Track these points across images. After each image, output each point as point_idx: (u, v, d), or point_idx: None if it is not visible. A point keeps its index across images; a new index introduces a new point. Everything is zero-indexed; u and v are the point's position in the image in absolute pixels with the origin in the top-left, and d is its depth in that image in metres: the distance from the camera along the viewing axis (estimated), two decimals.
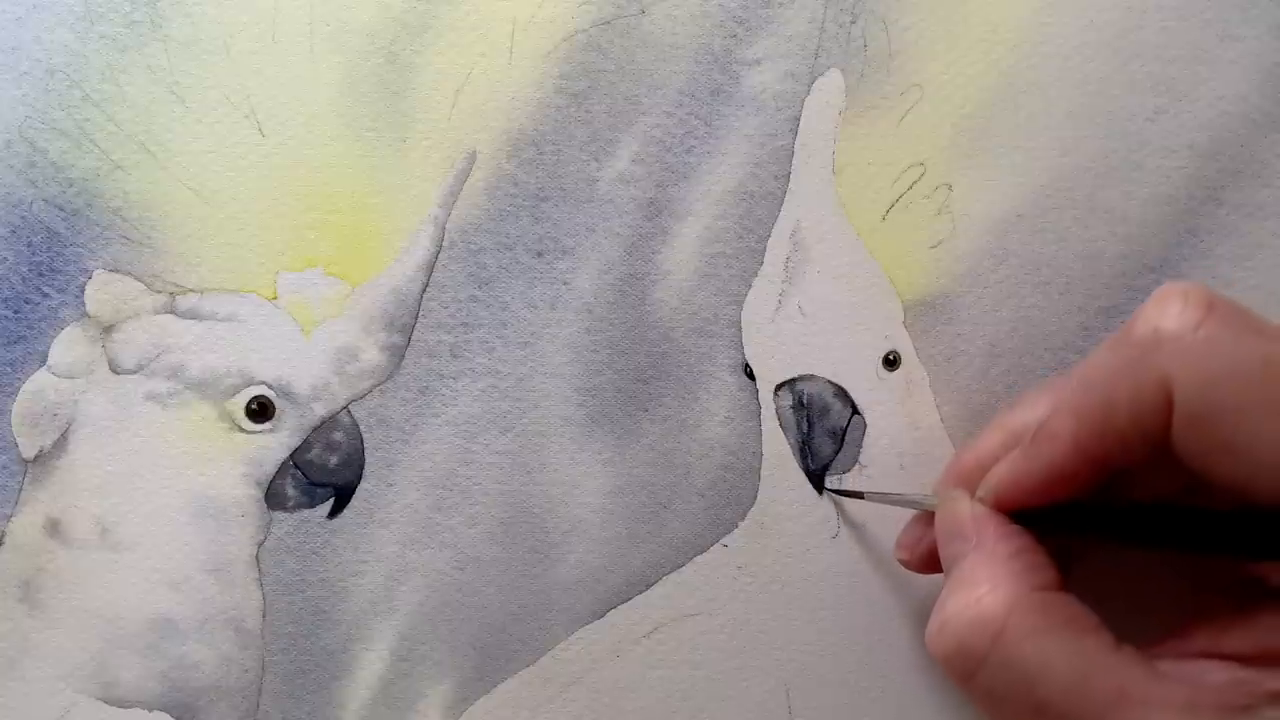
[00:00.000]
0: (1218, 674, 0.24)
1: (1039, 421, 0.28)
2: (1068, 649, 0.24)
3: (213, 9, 0.32)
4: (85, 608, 0.32)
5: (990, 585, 0.26)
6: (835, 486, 0.34)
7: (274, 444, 0.32)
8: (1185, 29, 0.34)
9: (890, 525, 0.34)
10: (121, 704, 0.32)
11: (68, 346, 0.31)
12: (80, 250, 0.31)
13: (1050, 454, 0.27)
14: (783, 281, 0.34)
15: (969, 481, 0.30)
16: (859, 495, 0.34)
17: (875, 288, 0.34)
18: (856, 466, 0.34)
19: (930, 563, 0.31)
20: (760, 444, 0.34)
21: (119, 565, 0.32)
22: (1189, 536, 0.27)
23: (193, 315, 0.32)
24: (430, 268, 0.33)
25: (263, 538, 0.32)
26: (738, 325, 0.34)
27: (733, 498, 0.34)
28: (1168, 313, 0.25)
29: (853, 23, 0.34)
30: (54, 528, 0.31)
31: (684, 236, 0.34)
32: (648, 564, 0.34)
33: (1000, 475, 0.29)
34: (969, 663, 0.25)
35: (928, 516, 0.31)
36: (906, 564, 0.32)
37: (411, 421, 0.33)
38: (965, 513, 0.29)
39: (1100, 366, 0.27)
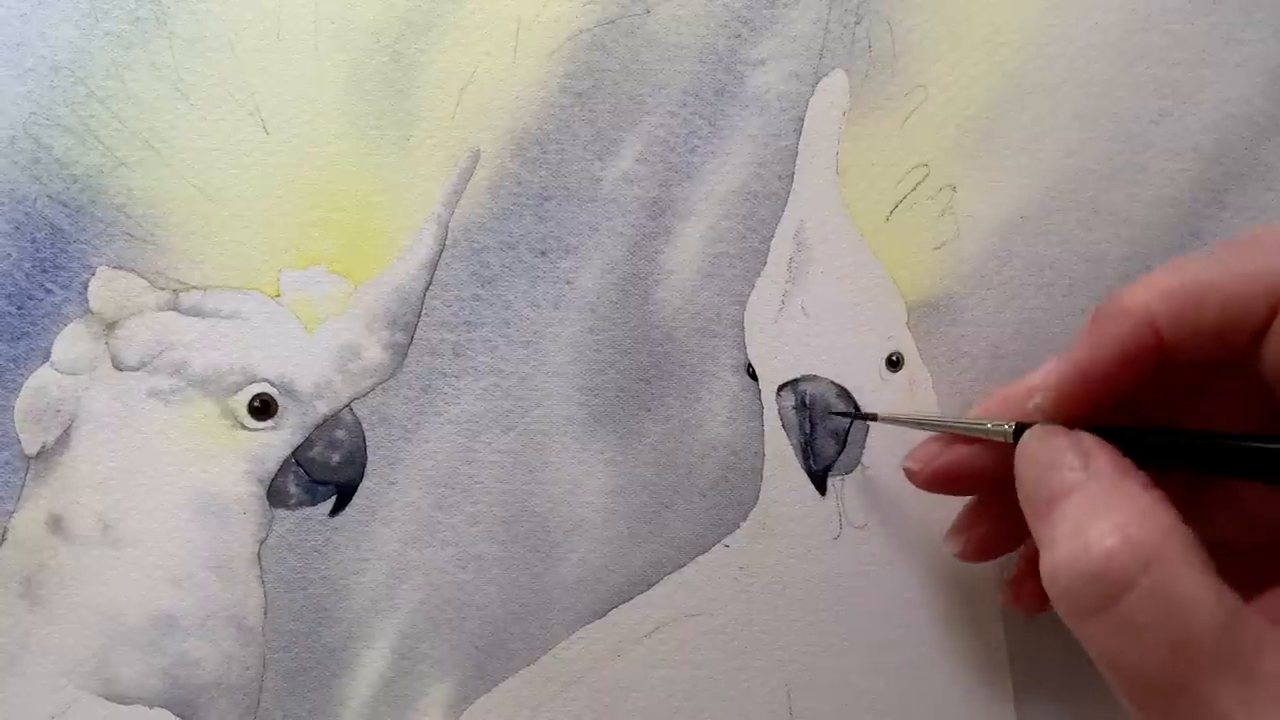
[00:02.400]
0: None
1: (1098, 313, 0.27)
2: (1214, 587, 0.24)
3: (217, 6, 0.32)
4: (87, 604, 0.32)
5: (1133, 514, 0.25)
6: (844, 415, 0.34)
7: (276, 441, 0.32)
8: (1190, 32, 0.34)
9: (893, 526, 0.34)
10: (122, 700, 0.32)
11: (71, 343, 0.31)
12: (84, 247, 0.31)
13: (1118, 326, 0.26)
14: (786, 282, 0.34)
15: (1027, 405, 0.29)
16: (872, 417, 0.33)
17: (879, 288, 0.34)
18: (859, 467, 0.34)
19: (937, 481, 0.31)
20: (762, 444, 0.34)
21: (121, 562, 0.32)
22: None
23: (196, 312, 0.32)
24: (433, 266, 0.33)
25: (264, 535, 0.32)
26: (740, 325, 0.34)
27: (735, 498, 0.34)
28: None
29: (857, 23, 0.34)
30: (56, 524, 0.31)
31: (687, 236, 0.34)
32: (649, 564, 0.34)
33: (1057, 369, 0.27)
34: (1114, 588, 0.24)
35: (948, 438, 0.31)
36: (912, 475, 0.31)
37: (414, 420, 0.33)
38: (1067, 442, 0.27)
39: (1201, 258, 0.26)
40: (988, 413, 0.30)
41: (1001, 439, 0.29)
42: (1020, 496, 0.28)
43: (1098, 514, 0.25)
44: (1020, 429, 0.28)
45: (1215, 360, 0.26)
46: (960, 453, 0.30)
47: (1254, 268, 0.25)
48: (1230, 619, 0.23)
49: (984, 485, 0.30)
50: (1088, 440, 0.27)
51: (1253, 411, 0.27)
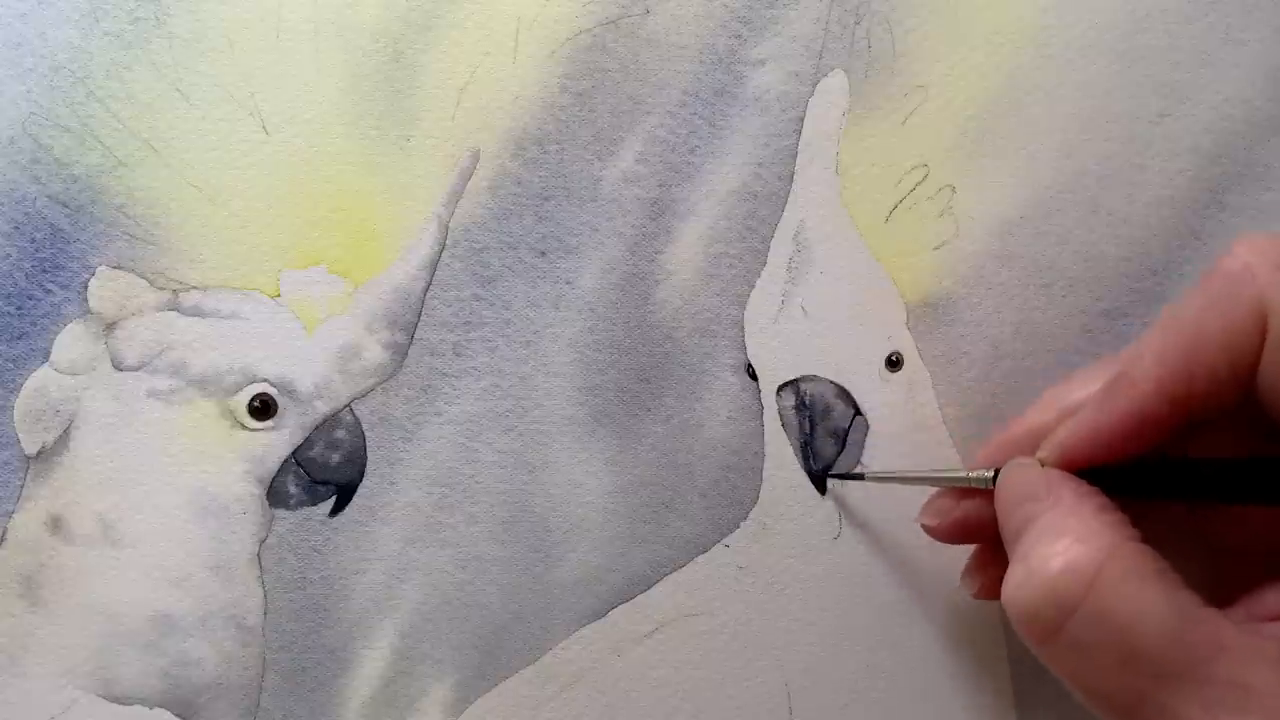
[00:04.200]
0: None
1: (1107, 382, 0.27)
2: (1164, 598, 0.24)
3: (217, 5, 0.32)
4: (86, 604, 0.31)
5: (1079, 536, 0.25)
6: (836, 477, 0.34)
7: (276, 441, 0.32)
8: (1189, 32, 0.34)
9: (894, 525, 0.34)
10: (122, 701, 0.32)
11: (70, 343, 0.31)
12: (84, 247, 0.31)
13: (1130, 400, 0.26)
14: (786, 282, 0.34)
15: (1019, 453, 0.29)
16: (859, 477, 0.34)
17: (878, 289, 0.34)
18: (859, 468, 0.34)
19: (958, 531, 0.31)
20: (762, 444, 0.34)
21: (120, 562, 0.32)
22: (1258, 489, 0.26)
23: (196, 312, 0.32)
24: (433, 266, 0.33)
25: (264, 535, 0.32)
26: (740, 325, 0.34)
27: (734, 498, 0.34)
28: (1259, 249, 0.25)
29: (857, 24, 0.34)
30: (56, 524, 0.31)
31: (687, 236, 0.34)
32: (649, 563, 0.34)
33: (1069, 432, 0.28)
34: (1059, 613, 0.24)
35: (957, 491, 0.31)
36: (931, 531, 0.32)
37: (414, 420, 0.33)
38: (1036, 476, 0.27)
39: (1188, 305, 0.26)
40: (988, 458, 0.30)
41: (983, 486, 0.30)
42: (1000, 531, 0.28)
43: (1045, 541, 0.25)
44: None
45: (1231, 404, 0.26)
46: (972, 505, 0.31)
47: (1237, 307, 0.25)
48: (1182, 627, 0.23)
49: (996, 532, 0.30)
50: (1054, 474, 0.27)
51: (1249, 438, 0.27)
